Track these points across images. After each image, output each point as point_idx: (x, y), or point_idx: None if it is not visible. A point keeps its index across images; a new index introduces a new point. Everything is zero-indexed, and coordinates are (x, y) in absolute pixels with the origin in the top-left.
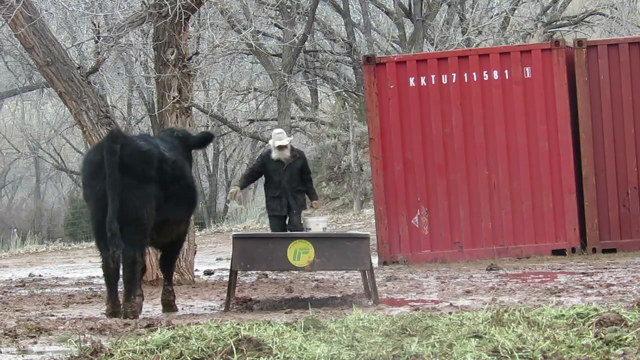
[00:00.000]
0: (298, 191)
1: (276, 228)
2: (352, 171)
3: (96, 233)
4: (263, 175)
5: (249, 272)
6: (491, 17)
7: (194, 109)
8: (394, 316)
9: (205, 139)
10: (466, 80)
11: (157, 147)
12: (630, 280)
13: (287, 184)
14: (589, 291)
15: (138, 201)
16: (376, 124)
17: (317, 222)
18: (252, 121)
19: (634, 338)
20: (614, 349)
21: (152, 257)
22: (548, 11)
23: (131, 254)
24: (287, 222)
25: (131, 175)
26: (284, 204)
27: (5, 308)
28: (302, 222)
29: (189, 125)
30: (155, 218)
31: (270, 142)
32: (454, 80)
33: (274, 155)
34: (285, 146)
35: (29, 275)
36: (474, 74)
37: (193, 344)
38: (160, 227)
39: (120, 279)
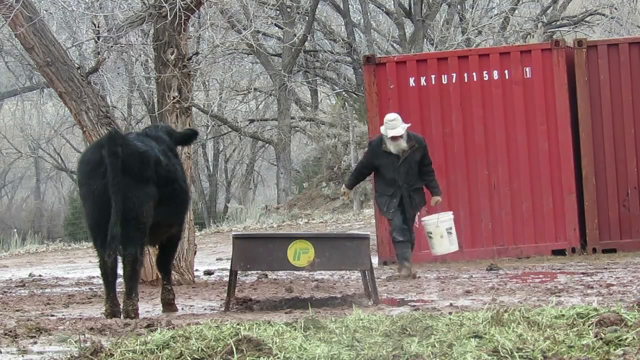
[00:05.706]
0: (415, 190)
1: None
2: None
3: (93, 232)
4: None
5: (249, 272)
6: (491, 17)
7: (194, 109)
8: (394, 316)
9: (189, 136)
10: (466, 80)
11: (153, 149)
12: (630, 280)
13: (404, 182)
14: (589, 291)
15: (137, 200)
16: (376, 124)
17: (436, 223)
18: (252, 121)
19: (634, 338)
20: (614, 349)
21: (151, 257)
22: (548, 11)
23: (132, 251)
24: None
25: (130, 175)
26: (397, 204)
27: (5, 308)
28: (420, 223)
29: (189, 125)
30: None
31: (382, 129)
32: (454, 80)
33: (387, 147)
34: (401, 136)
35: (29, 275)
36: (474, 74)
37: (193, 344)
38: (151, 229)
39: (120, 279)
